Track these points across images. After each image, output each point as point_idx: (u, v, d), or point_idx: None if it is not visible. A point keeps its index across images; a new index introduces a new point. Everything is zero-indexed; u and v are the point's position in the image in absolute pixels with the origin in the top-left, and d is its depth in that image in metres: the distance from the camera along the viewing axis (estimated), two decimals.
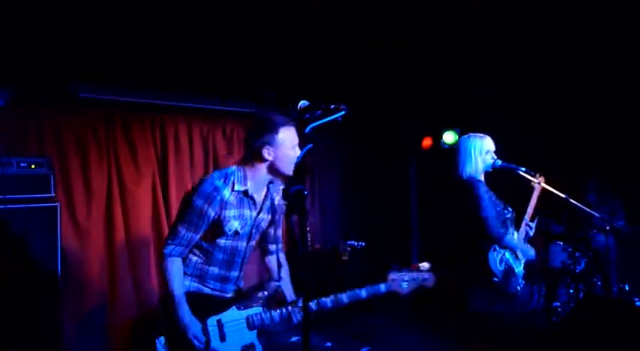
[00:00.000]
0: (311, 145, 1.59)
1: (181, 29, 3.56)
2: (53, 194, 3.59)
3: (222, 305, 2.20)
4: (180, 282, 2.12)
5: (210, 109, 4.71)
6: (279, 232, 2.38)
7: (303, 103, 1.84)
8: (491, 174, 3.12)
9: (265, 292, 2.27)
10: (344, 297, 2.24)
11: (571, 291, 4.74)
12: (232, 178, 2.11)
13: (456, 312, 3.47)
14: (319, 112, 1.71)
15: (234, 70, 4.18)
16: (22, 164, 3.45)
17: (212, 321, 2.16)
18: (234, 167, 2.16)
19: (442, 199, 4.06)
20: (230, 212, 2.11)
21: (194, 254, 2.20)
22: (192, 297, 2.13)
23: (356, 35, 3.95)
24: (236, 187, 2.11)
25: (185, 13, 3.41)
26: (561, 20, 3.73)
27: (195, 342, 2.08)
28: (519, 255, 3.04)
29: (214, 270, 2.20)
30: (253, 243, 2.30)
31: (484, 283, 2.89)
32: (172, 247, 2.13)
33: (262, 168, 2.13)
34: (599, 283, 4.64)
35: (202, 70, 4.08)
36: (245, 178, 2.13)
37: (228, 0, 3.33)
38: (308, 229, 1.55)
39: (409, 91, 5.15)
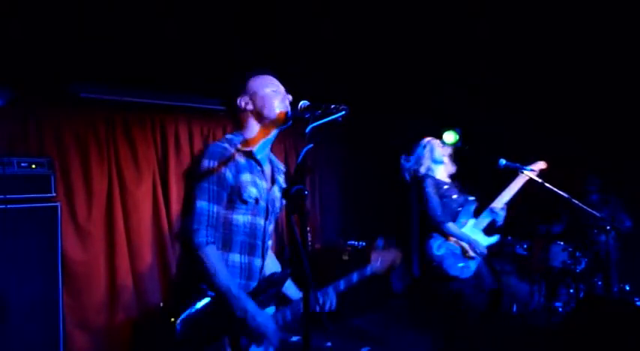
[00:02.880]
0: (311, 145, 1.58)
1: (181, 29, 3.56)
2: (54, 194, 3.59)
3: None
4: (227, 271, 1.82)
5: (211, 109, 4.71)
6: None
7: (303, 103, 1.84)
8: (496, 172, 3.20)
9: (275, 289, 2.00)
10: (330, 289, 2.13)
11: (571, 291, 4.74)
12: (234, 141, 1.95)
13: (456, 312, 3.50)
14: (319, 112, 1.70)
15: (234, 70, 4.18)
16: (22, 164, 3.46)
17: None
18: (230, 134, 2.00)
19: None
20: (245, 176, 1.89)
21: None
22: (210, 307, 1.79)
23: (358, 33, 3.95)
24: (240, 148, 1.93)
25: (185, 13, 3.41)
26: (563, 17, 3.72)
27: (273, 336, 1.82)
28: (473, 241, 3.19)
29: (235, 257, 1.89)
30: (269, 225, 2.03)
31: (425, 268, 3.15)
32: (202, 231, 1.79)
33: (252, 123, 1.97)
34: (599, 283, 4.64)
35: (202, 70, 4.07)
36: (245, 139, 1.97)
37: (228, 0, 3.33)
38: (308, 229, 1.55)
39: (410, 90, 5.15)
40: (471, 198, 3.36)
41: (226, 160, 1.86)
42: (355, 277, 2.24)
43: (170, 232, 4.46)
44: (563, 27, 3.86)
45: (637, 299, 4.35)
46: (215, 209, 1.84)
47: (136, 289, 4.24)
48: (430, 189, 3.26)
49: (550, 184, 3.15)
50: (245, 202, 1.89)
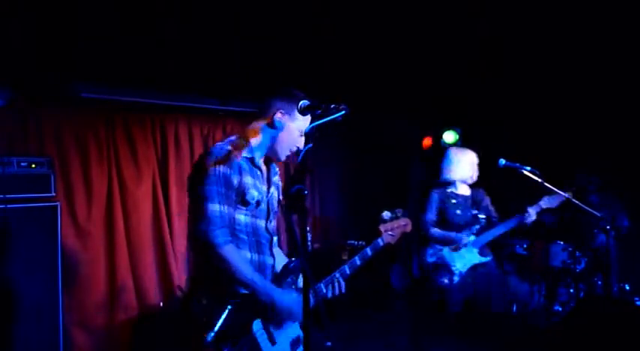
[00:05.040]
0: (311, 145, 1.58)
1: (181, 29, 3.56)
2: (53, 194, 3.59)
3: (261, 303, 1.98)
4: (249, 266, 1.92)
5: (211, 109, 4.71)
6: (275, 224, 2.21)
7: (303, 102, 1.83)
8: (496, 173, 3.23)
9: (293, 276, 2.10)
10: (346, 268, 2.22)
11: (571, 291, 4.73)
12: (237, 145, 1.98)
13: (456, 313, 3.52)
14: (319, 111, 1.70)
15: (234, 69, 4.18)
16: (22, 164, 3.45)
17: (257, 325, 1.92)
18: (234, 136, 2.04)
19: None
20: (247, 179, 1.96)
21: None
22: (232, 302, 1.88)
23: (357, 33, 3.95)
24: (243, 153, 1.97)
25: (185, 13, 3.41)
26: (563, 16, 3.73)
27: (299, 315, 1.94)
28: (466, 255, 3.44)
29: (246, 254, 1.98)
30: (271, 225, 2.12)
31: (421, 272, 3.52)
32: (219, 231, 1.84)
33: (265, 135, 2.03)
34: (599, 282, 4.63)
35: (202, 70, 4.07)
36: (249, 146, 2.02)
37: (228, 0, 3.33)
38: (308, 228, 1.56)
39: (410, 90, 5.15)
40: (482, 216, 3.53)
41: (231, 163, 1.91)
42: (369, 251, 2.35)
43: (170, 232, 4.46)
44: (563, 26, 3.86)
45: (637, 299, 4.34)
46: (226, 210, 1.89)
47: (136, 289, 4.23)
48: (432, 201, 3.54)
49: (550, 184, 3.15)
50: (247, 203, 1.96)
